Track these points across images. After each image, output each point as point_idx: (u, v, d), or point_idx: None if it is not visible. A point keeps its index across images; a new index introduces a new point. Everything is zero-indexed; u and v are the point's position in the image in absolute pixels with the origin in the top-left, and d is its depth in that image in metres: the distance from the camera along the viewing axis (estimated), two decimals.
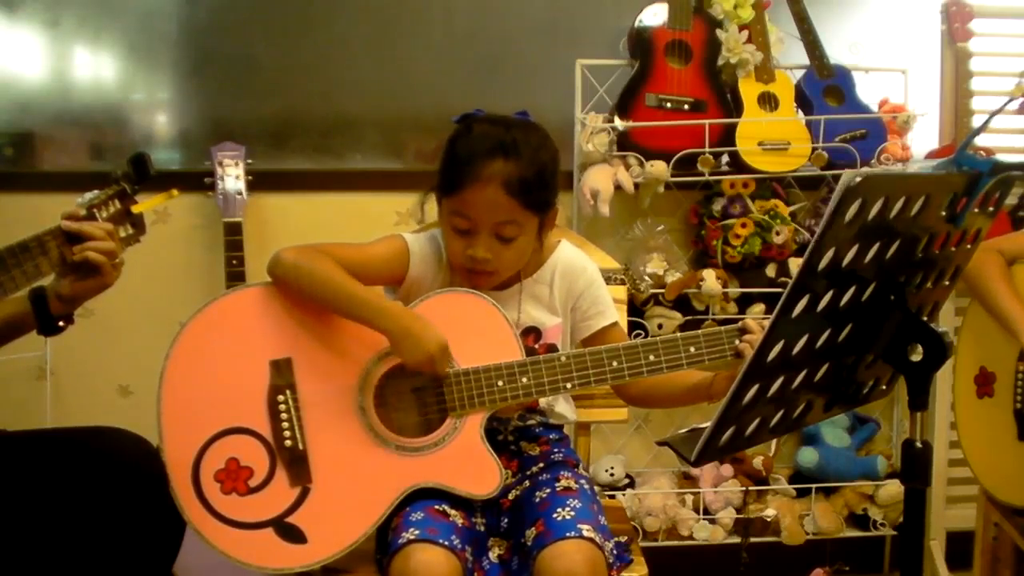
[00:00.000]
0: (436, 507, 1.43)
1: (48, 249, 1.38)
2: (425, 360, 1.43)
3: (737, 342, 1.46)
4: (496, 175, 1.44)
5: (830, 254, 0.97)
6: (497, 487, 1.45)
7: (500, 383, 1.47)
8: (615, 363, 1.48)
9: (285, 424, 1.46)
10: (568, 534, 1.37)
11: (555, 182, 1.52)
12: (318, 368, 1.48)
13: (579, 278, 1.61)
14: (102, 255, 1.40)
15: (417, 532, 1.36)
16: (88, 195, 1.44)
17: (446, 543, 1.35)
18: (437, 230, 1.57)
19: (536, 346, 1.58)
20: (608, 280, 1.67)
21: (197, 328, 1.47)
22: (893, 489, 2.45)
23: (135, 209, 1.49)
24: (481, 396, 1.47)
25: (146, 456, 1.50)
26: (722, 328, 1.48)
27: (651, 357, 1.48)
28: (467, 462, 1.46)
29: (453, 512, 1.44)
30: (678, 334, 1.49)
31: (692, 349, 1.48)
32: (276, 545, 1.43)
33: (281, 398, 1.46)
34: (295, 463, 1.45)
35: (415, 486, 1.45)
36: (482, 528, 1.50)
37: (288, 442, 1.46)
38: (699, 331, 1.49)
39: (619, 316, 1.66)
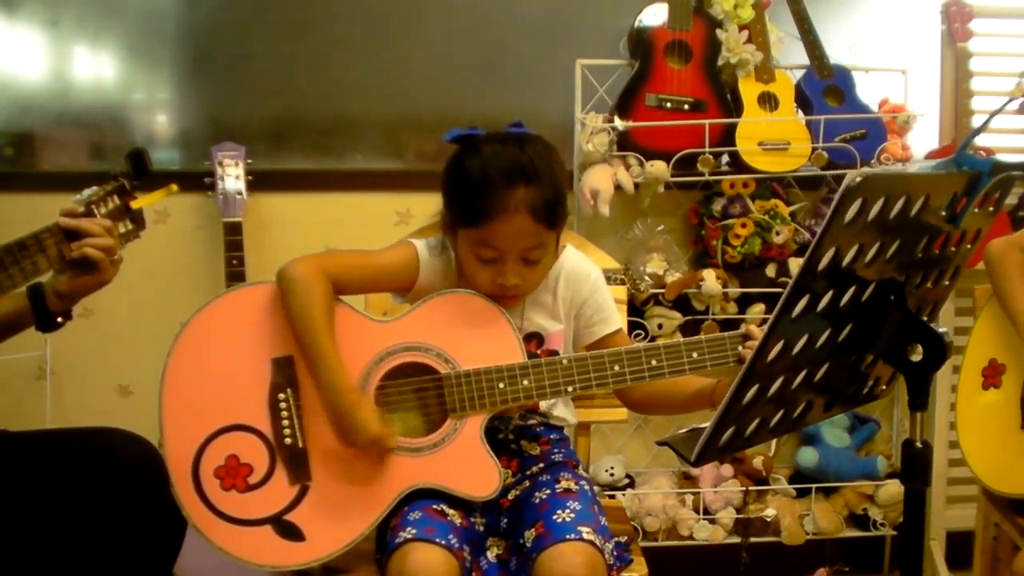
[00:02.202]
0: (434, 507, 1.43)
1: (46, 246, 1.38)
2: (353, 446, 1.41)
3: (740, 348, 1.46)
4: (522, 204, 1.41)
5: (830, 254, 0.96)
6: (496, 489, 1.45)
7: (501, 385, 1.46)
8: (617, 367, 1.48)
9: (285, 422, 1.46)
10: (568, 536, 1.36)
11: (566, 193, 1.50)
12: None
13: (583, 284, 1.60)
14: (100, 251, 1.40)
15: (414, 531, 1.36)
16: (86, 191, 1.44)
17: (443, 542, 1.35)
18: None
19: (538, 352, 1.57)
20: (608, 280, 1.66)
21: (199, 326, 1.47)
22: (893, 489, 2.45)
23: (134, 205, 1.48)
24: (482, 398, 1.46)
25: (146, 456, 1.50)
26: (725, 334, 1.48)
27: (653, 362, 1.48)
28: (466, 463, 1.46)
29: (451, 511, 1.44)
30: (681, 339, 1.49)
31: (695, 354, 1.47)
32: (274, 542, 1.43)
33: (282, 396, 1.46)
34: (294, 461, 1.45)
35: (414, 486, 1.45)
36: (481, 528, 1.49)
37: (288, 440, 1.46)
38: (702, 336, 1.49)
39: (622, 321, 1.65)
